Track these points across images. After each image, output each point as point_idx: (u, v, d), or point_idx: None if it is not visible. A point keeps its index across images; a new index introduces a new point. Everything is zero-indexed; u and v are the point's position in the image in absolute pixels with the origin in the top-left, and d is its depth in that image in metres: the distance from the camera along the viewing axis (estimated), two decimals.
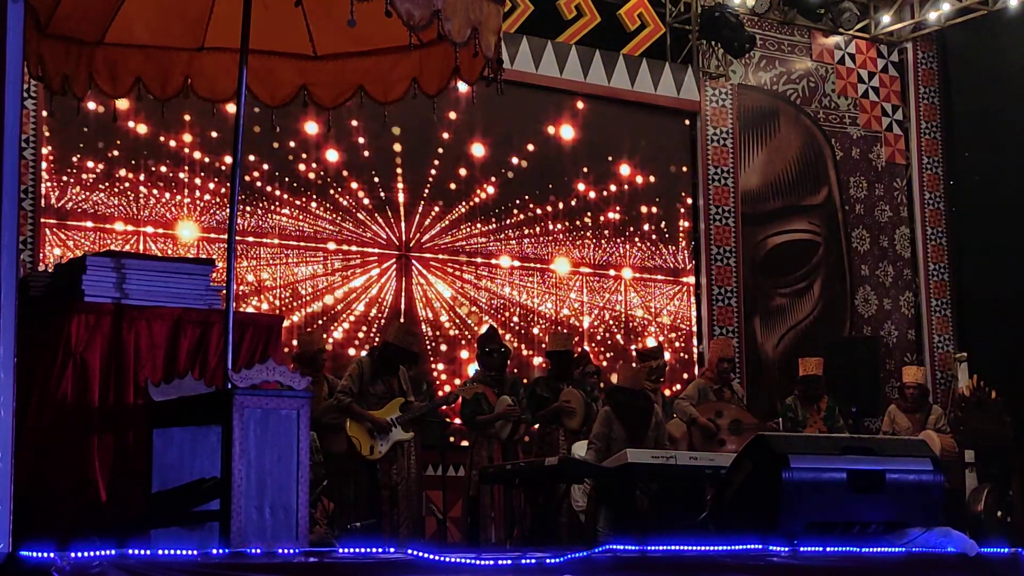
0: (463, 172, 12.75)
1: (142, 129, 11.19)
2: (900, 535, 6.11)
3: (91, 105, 7.21)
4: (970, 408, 12.59)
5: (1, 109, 4.44)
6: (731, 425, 10.58)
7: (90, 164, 11.07)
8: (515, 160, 13.04)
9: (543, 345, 12.56)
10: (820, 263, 14.66)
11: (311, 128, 11.81)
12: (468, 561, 4.77)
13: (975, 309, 14.69)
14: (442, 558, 4.73)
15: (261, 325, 5.73)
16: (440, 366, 12.42)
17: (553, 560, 4.91)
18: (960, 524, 8.85)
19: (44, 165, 10.84)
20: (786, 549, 5.62)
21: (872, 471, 6.10)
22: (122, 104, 10.67)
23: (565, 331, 12.49)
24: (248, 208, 11.60)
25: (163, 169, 11.35)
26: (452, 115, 12.52)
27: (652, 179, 13.74)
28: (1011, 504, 11.78)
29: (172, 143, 11.37)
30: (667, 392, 12.05)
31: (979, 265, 14.68)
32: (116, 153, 11.15)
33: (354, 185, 12.19)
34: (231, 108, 7.16)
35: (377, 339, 11.62)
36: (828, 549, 5.76)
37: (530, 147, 13.13)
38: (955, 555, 5.93)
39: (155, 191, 11.32)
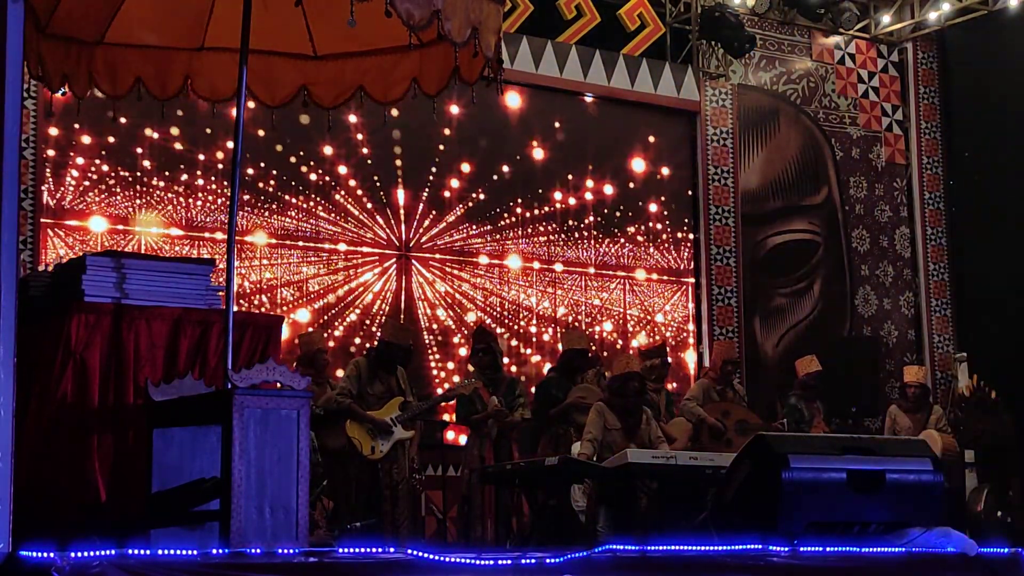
0: (462, 172, 12.75)
1: (142, 129, 11.18)
2: (900, 535, 6.11)
3: (91, 104, 7.20)
4: (970, 408, 12.59)
5: (1, 109, 4.43)
6: (737, 425, 10.60)
7: (90, 164, 11.07)
8: (514, 160, 13.04)
9: (552, 349, 12.56)
10: (820, 263, 14.66)
11: (313, 130, 11.80)
12: (468, 561, 4.77)
13: (975, 309, 14.70)
14: (442, 558, 4.73)
15: (261, 325, 5.73)
16: (438, 363, 12.43)
17: (553, 560, 4.91)
18: (960, 524, 8.85)
19: (44, 165, 10.85)
20: (786, 549, 5.62)
21: (872, 471, 6.10)
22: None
23: (576, 329, 12.49)
24: (250, 209, 11.62)
25: (163, 169, 11.36)
26: (451, 115, 12.52)
27: (651, 179, 13.74)
28: (1011, 504, 11.79)
29: (172, 143, 11.37)
30: (670, 387, 12.07)
31: (979, 265, 14.68)
32: (116, 153, 11.16)
33: (359, 191, 12.21)
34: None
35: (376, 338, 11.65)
36: (828, 549, 5.75)
37: (529, 147, 13.14)
38: (955, 555, 5.93)
39: (155, 191, 11.33)
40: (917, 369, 12.39)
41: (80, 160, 11.04)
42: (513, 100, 12.94)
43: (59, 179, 10.93)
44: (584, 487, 9.38)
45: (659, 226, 13.72)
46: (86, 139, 11.03)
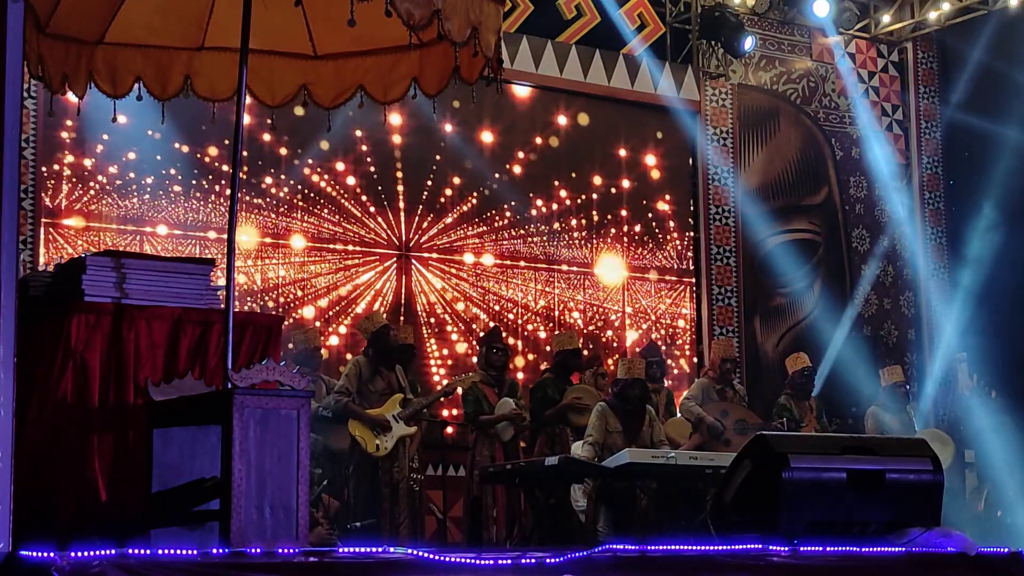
0: (462, 172, 12.76)
1: (142, 129, 11.18)
2: (900, 535, 6.10)
3: (91, 104, 7.20)
4: (970, 408, 12.60)
5: (1, 109, 4.43)
6: (736, 425, 10.60)
7: (89, 164, 11.07)
8: (514, 160, 13.05)
9: (548, 348, 12.57)
10: (820, 263, 14.66)
11: (314, 131, 11.81)
12: (468, 561, 4.77)
13: (975, 309, 14.69)
14: (442, 558, 4.72)
15: (261, 325, 5.71)
16: (437, 359, 12.45)
17: (553, 560, 4.91)
18: (960, 524, 8.85)
19: (44, 165, 10.85)
20: (786, 549, 5.61)
21: (872, 471, 6.10)
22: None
23: (568, 330, 12.49)
24: (250, 209, 11.63)
25: (163, 169, 11.37)
26: (451, 116, 12.52)
27: (651, 179, 13.75)
28: (1011, 504, 11.79)
29: (172, 143, 11.38)
30: (669, 385, 12.10)
31: (979, 264, 14.68)
32: (116, 153, 11.16)
33: (363, 195, 12.25)
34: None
35: None
36: (828, 549, 5.75)
37: (529, 147, 13.15)
38: (955, 555, 5.92)
39: (155, 191, 11.33)
40: (899, 368, 12.39)
41: (80, 160, 11.04)
42: (513, 99, 12.94)
43: (59, 179, 10.93)
44: (584, 487, 9.38)
45: (658, 226, 13.72)
46: (87, 139, 11.04)
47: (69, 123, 10.76)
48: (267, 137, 11.61)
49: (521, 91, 12.96)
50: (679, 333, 13.75)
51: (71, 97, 6.80)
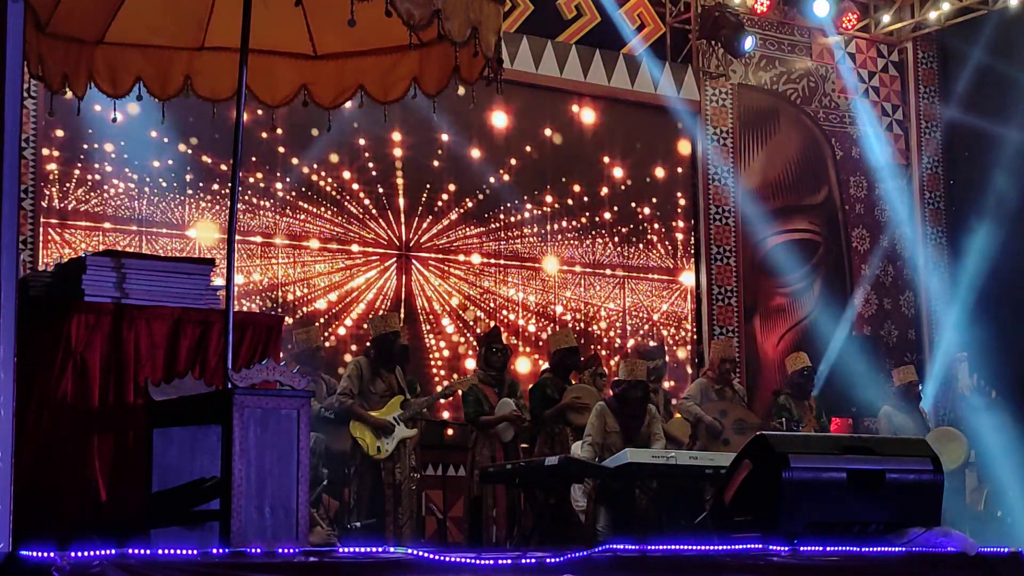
0: (462, 172, 12.76)
1: (143, 129, 11.19)
2: (900, 535, 6.11)
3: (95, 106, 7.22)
4: (970, 408, 12.59)
5: (1, 109, 4.43)
6: (735, 424, 10.61)
7: (90, 164, 11.07)
8: (514, 160, 13.05)
9: (540, 344, 12.58)
10: (820, 263, 14.66)
11: (315, 132, 11.83)
12: (468, 561, 4.77)
13: (975, 309, 14.69)
14: (442, 558, 4.73)
15: (261, 325, 5.71)
16: (436, 359, 12.46)
17: (553, 560, 4.91)
18: (960, 524, 8.85)
19: (44, 165, 10.85)
20: (786, 549, 5.62)
21: (872, 471, 6.10)
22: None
23: (563, 328, 12.50)
24: (251, 210, 11.64)
25: (163, 169, 11.37)
26: (452, 115, 12.51)
27: (652, 179, 13.75)
28: (1011, 504, 11.79)
29: (172, 143, 11.38)
30: (667, 385, 12.11)
31: (979, 264, 14.68)
32: (116, 153, 11.16)
33: (361, 192, 12.26)
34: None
35: None
36: (828, 549, 5.75)
37: (529, 147, 13.15)
38: (955, 555, 5.92)
39: (155, 191, 11.33)
40: (911, 368, 12.39)
41: (80, 160, 11.04)
42: (512, 100, 12.94)
43: (60, 179, 10.93)
44: (584, 487, 9.38)
45: (658, 225, 13.73)
46: (87, 139, 11.04)
47: (71, 123, 10.75)
48: (268, 137, 11.59)
49: (520, 91, 12.94)
50: (677, 332, 13.74)
51: (71, 97, 6.80)
